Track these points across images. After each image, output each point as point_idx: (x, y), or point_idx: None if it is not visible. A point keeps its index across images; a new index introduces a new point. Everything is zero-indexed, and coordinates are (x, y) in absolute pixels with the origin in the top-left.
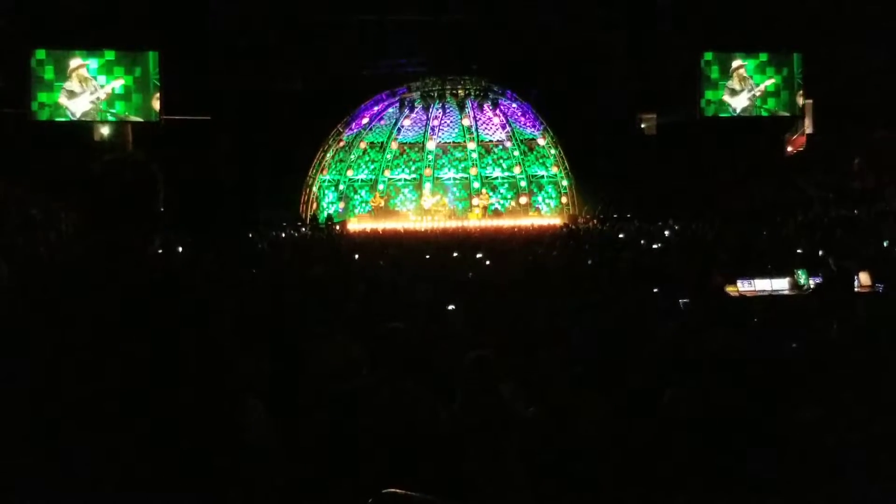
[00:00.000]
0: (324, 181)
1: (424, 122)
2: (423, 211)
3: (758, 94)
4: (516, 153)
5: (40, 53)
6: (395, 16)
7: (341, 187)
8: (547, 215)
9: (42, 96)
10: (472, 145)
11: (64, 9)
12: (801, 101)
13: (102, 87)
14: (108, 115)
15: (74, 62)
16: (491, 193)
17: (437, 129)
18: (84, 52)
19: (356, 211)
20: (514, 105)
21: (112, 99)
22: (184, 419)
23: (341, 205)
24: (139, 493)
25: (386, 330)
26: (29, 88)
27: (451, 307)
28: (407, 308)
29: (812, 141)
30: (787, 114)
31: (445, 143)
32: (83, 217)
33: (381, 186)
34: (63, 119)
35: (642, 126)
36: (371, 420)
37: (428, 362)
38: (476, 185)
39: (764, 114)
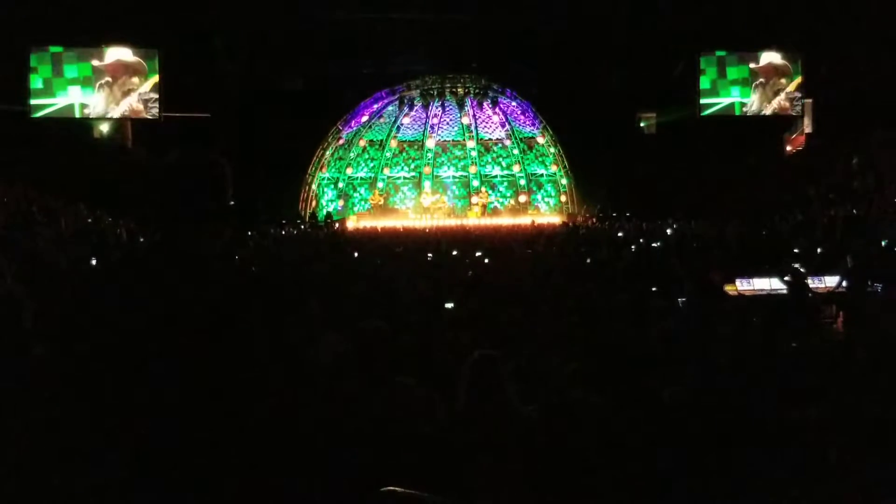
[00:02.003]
0: (323, 179)
1: (424, 121)
2: (422, 209)
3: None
4: (515, 151)
5: (56, 48)
6: (395, 14)
7: (340, 185)
8: (546, 213)
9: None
10: (471, 143)
11: (65, 8)
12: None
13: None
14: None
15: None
16: (490, 192)
17: (436, 128)
18: (86, 50)
19: (355, 209)
20: (514, 103)
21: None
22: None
23: (340, 203)
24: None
25: (369, 327)
26: (29, 87)
27: (449, 305)
28: (407, 306)
29: (812, 140)
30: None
31: (445, 141)
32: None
33: (380, 184)
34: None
35: (641, 125)
36: (370, 418)
37: (422, 360)
38: (475, 183)
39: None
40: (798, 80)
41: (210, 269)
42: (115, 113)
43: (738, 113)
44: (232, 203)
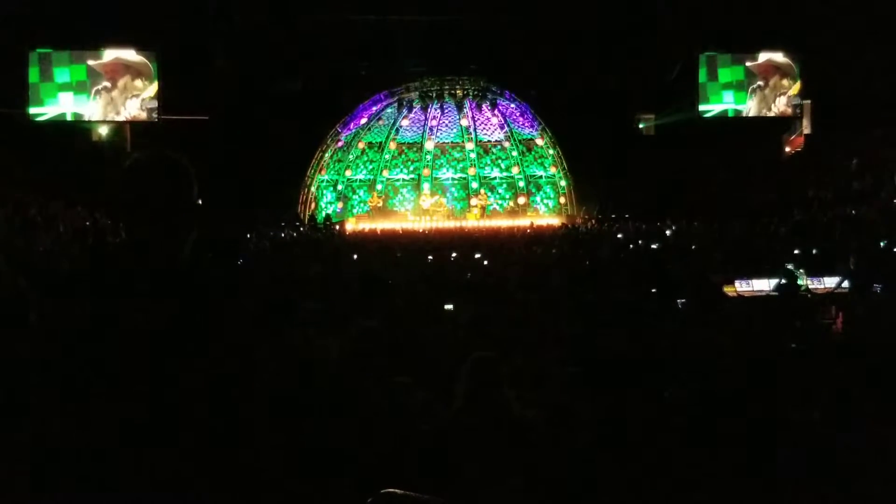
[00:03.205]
0: (322, 181)
1: (423, 123)
2: (421, 211)
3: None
4: (514, 153)
5: (43, 49)
6: (394, 15)
7: (340, 187)
8: (545, 215)
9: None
10: (470, 145)
11: (64, 10)
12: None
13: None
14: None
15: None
16: (489, 194)
17: (435, 130)
18: (84, 52)
19: (354, 211)
20: (513, 105)
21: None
22: (207, 414)
23: (339, 205)
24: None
25: (361, 328)
26: (27, 89)
27: (448, 307)
28: (406, 307)
29: (810, 141)
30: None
31: (444, 143)
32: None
33: (379, 186)
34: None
35: (640, 126)
36: (370, 419)
37: (420, 361)
38: (474, 185)
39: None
40: (799, 83)
41: (174, 271)
42: (115, 118)
43: (731, 115)
44: (199, 203)
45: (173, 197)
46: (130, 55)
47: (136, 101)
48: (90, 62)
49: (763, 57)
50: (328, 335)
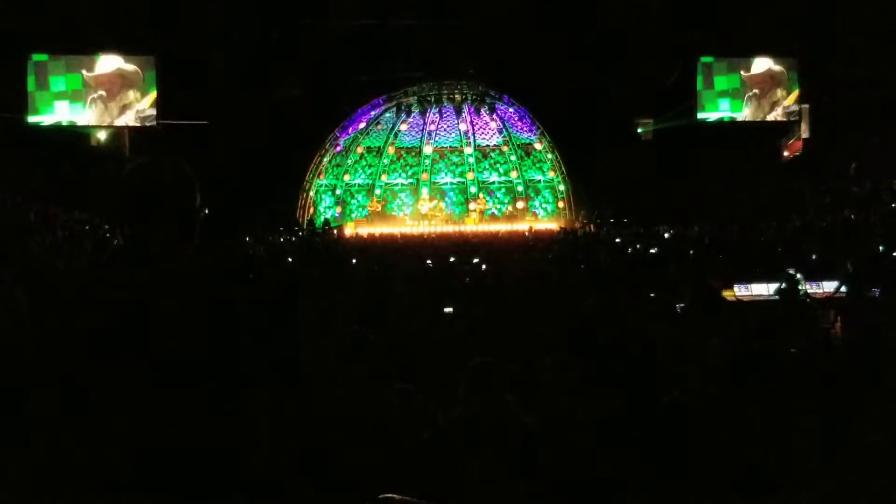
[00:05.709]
0: (321, 186)
1: (421, 127)
2: (419, 215)
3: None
4: (513, 157)
5: (40, 56)
6: (392, 20)
7: (338, 192)
8: (544, 220)
9: (45, 103)
10: (468, 150)
11: (62, 13)
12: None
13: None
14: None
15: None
16: (488, 198)
17: (433, 134)
18: (74, 59)
19: (353, 215)
20: (511, 109)
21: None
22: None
23: (338, 209)
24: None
25: (352, 333)
26: (26, 93)
27: (448, 310)
28: (405, 312)
29: (808, 145)
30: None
31: (442, 147)
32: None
33: (378, 191)
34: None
35: (639, 130)
36: (367, 424)
37: (420, 366)
38: (473, 189)
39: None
40: (796, 92)
41: (175, 276)
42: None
43: (726, 119)
44: (199, 209)
45: (175, 202)
46: (125, 65)
47: (131, 112)
48: (85, 72)
49: (758, 66)
50: (326, 339)
